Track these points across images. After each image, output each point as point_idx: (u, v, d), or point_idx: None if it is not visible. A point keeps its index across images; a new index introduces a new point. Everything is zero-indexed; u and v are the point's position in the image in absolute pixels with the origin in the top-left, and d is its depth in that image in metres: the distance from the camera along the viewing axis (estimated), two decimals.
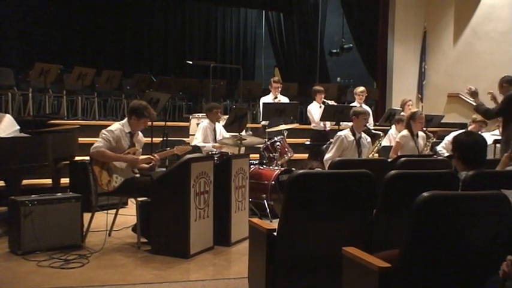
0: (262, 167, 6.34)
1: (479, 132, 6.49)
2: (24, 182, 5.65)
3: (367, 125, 6.47)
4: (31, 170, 5.40)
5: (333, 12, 14.85)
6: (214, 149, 6.16)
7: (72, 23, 12.65)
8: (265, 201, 5.98)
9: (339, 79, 15.36)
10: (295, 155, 7.16)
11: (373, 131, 6.28)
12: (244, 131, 6.51)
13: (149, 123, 5.15)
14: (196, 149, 6.08)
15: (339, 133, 5.94)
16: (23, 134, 5.44)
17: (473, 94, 6.25)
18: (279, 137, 6.67)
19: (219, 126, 6.61)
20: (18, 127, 5.41)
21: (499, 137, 6.81)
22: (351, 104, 8.19)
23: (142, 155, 5.04)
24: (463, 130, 5.67)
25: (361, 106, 7.46)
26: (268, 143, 6.60)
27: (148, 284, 3.84)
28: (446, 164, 4.48)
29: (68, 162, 6.12)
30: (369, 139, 6.07)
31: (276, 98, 8.05)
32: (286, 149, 6.77)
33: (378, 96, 12.02)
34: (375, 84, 12.68)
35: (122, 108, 10.25)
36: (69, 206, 4.65)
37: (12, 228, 4.50)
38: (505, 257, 2.20)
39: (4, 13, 11.33)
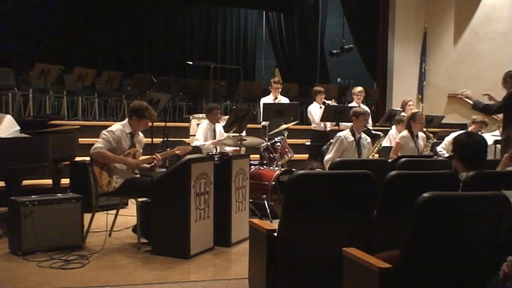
0: (262, 168, 6.34)
1: (480, 133, 6.49)
2: (25, 182, 5.64)
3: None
4: (31, 170, 5.40)
5: (333, 12, 14.87)
6: (212, 147, 6.16)
7: (73, 24, 12.66)
8: (265, 201, 5.98)
9: (339, 80, 15.38)
10: (296, 156, 7.15)
11: (373, 132, 6.27)
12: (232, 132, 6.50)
13: (150, 123, 5.14)
14: (197, 149, 6.08)
15: (339, 134, 5.94)
16: (23, 135, 5.44)
17: (468, 97, 6.30)
18: (279, 138, 6.67)
19: (219, 127, 6.61)
20: (19, 127, 5.42)
21: (499, 138, 6.82)
22: (349, 105, 8.19)
23: (142, 155, 5.04)
24: (464, 131, 5.67)
25: (359, 106, 7.46)
26: (269, 143, 6.60)
27: (148, 284, 3.84)
28: (446, 165, 4.48)
29: (68, 162, 6.13)
30: (368, 139, 6.07)
31: (276, 98, 8.05)
32: (286, 150, 6.77)
33: (378, 97, 12.02)
34: (375, 85, 12.68)
35: (122, 109, 10.25)
36: (69, 206, 4.65)
37: (13, 228, 4.50)
38: (505, 258, 2.20)
39: (4, 13, 11.34)
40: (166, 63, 14.23)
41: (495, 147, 7.20)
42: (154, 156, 4.96)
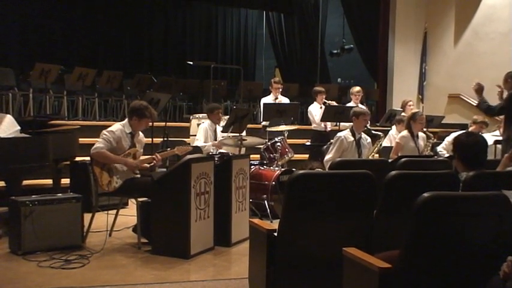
0: (262, 168, 6.34)
1: (480, 133, 6.49)
2: (25, 182, 5.64)
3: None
4: (31, 170, 5.40)
5: (334, 12, 14.86)
6: (213, 148, 6.15)
7: (73, 24, 12.67)
8: (265, 201, 5.98)
9: (339, 80, 15.37)
10: (296, 156, 7.15)
11: (373, 132, 6.27)
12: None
13: (150, 123, 5.15)
14: (197, 149, 6.08)
15: (339, 134, 5.94)
16: (23, 135, 5.44)
17: (478, 90, 6.24)
18: (279, 138, 6.66)
19: (220, 128, 6.59)
20: (19, 127, 5.41)
21: (500, 138, 6.81)
22: (347, 105, 8.20)
23: (142, 155, 5.04)
24: (464, 131, 5.67)
25: (357, 106, 7.46)
26: (269, 143, 6.60)
27: (148, 284, 3.84)
28: (446, 165, 4.48)
29: (68, 162, 6.13)
30: (369, 139, 6.06)
31: (276, 98, 8.05)
32: (286, 150, 6.77)
33: (378, 97, 12.03)
34: (376, 85, 12.68)
35: (122, 109, 10.26)
36: (69, 206, 4.65)
37: (13, 228, 4.50)
38: (505, 258, 2.20)
39: (5, 13, 11.34)
40: (167, 63, 14.23)
41: (495, 147, 7.19)
42: (154, 156, 4.97)
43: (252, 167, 6.07)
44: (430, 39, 11.85)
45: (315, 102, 8.23)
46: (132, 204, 5.67)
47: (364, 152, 5.91)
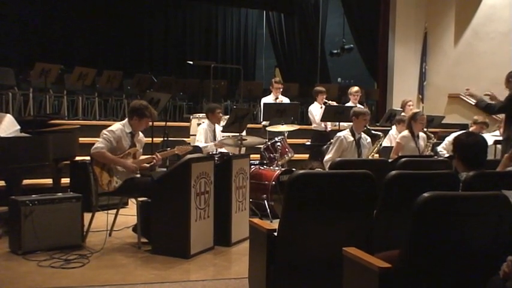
0: (262, 168, 6.34)
1: (480, 133, 6.49)
2: (25, 182, 5.65)
3: None
4: (31, 170, 5.40)
5: (334, 12, 14.87)
6: (214, 148, 6.15)
7: (73, 23, 12.67)
8: (265, 201, 5.98)
9: (339, 79, 15.37)
10: (296, 156, 7.15)
11: (373, 132, 6.27)
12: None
13: (150, 123, 5.15)
14: (197, 149, 6.08)
15: (339, 134, 5.94)
16: (23, 134, 5.44)
17: (472, 95, 6.30)
18: (279, 138, 6.66)
19: (219, 128, 6.59)
20: (19, 127, 5.41)
21: (500, 138, 6.82)
22: (346, 105, 8.20)
23: (142, 155, 5.04)
24: (464, 131, 5.67)
25: (356, 106, 7.47)
26: (269, 143, 6.60)
27: (148, 284, 3.84)
28: (446, 165, 4.48)
29: (68, 162, 6.13)
30: (368, 139, 6.06)
31: (277, 98, 8.04)
32: (286, 150, 6.76)
33: (378, 97, 12.03)
34: (376, 85, 12.68)
35: (122, 109, 10.26)
36: (69, 206, 4.65)
37: (13, 228, 4.50)
38: (505, 258, 2.20)
39: (5, 13, 11.34)
40: (167, 63, 14.25)
41: (495, 147, 7.20)
42: (154, 156, 4.97)
43: (252, 166, 6.07)
44: (430, 39, 11.85)
45: (315, 102, 8.23)
46: (132, 204, 5.68)
47: (364, 152, 5.91)
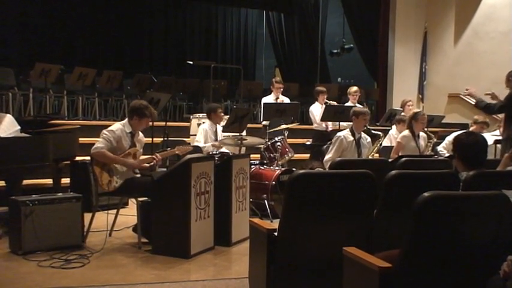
0: (262, 167, 6.34)
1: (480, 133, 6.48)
2: (25, 182, 5.65)
3: None
4: (32, 170, 5.40)
5: (334, 12, 14.87)
6: (214, 149, 6.14)
7: (73, 23, 12.67)
8: (265, 201, 5.97)
9: (339, 79, 15.38)
10: (296, 155, 7.15)
11: (373, 131, 6.27)
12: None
13: (150, 123, 5.15)
14: (197, 149, 6.08)
15: (338, 134, 5.94)
16: (23, 134, 5.43)
17: (471, 95, 6.30)
18: (279, 137, 6.66)
19: (220, 128, 6.59)
20: (19, 127, 5.41)
21: (500, 137, 6.81)
22: (345, 104, 8.20)
23: (142, 155, 5.04)
24: (464, 130, 5.67)
25: (355, 106, 7.47)
26: (269, 143, 6.59)
27: (148, 284, 3.84)
28: (447, 164, 4.48)
29: (68, 162, 6.12)
30: (368, 139, 6.06)
31: (277, 98, 8.04)
32: (286, 149, 6.76)
33: (378, 97, 12.02)
34: (376, 85, 12.68)
35: (122, 109, 10.26)
36: (69, 206, 4.65)
37: (13, 228, 4.50)
38: (505, 257, 2.20)
39: (5, 13, 11.34)
40: (167, 63, 14.24)
41: (495, 146, 7.19)
42: (154, 156, 4.97)
43: (252, 166, 6.07)
44: (430, 39, 11.85)
45: (316, 102, 8.23)
46: (132, 204, 5.67)
47: (364, 152, 5.91)
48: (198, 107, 11.01)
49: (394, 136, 7.11)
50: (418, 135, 6.42)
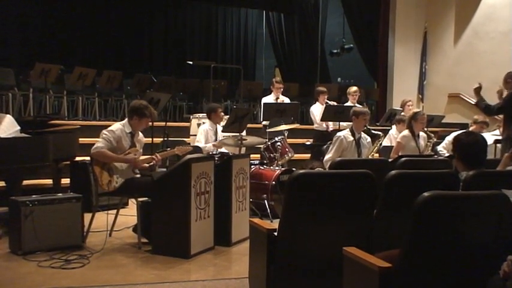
0: (262, 167, 6.34)
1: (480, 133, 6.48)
2: (25, 182, 5.65)
3: None
4: (32, 170, 5.40)
5: (334, 12, 14.87)
6: (215, 149, 6.14)
7: (73, 23, 12.66)
8: (265, 201, 5.97)
9: (339, 79, 15.37)
10: (296, 155, 7.15)
11: (373, 131, 6.27)
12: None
13: (150, 123, 5.15)
14: (197, 149, 6.08)
15: (338, 133, 5.94)
16: (23, 134, 5.44)
17: (477, 90, 6.28)
18: (279, 137, 6.66)
19: (220, 128, 6.59)
20: (19, 127, 5.41)
21: (500, 137, 6.81)
22: (345, 104, 8.20)
23: (142, 155, 5.04)
24: (464, 130, 5.67)
25: (355, 106, 7.47)
26: (269, 143, 6.59)
27: (149, 284, 3.84)
28: (446, 164, 4.48)
29: (68, 162, 6.12)
30: (368, 139, 6.06)
31: (278, 98, 8.04)
32: (286, 149, 6.76)
33: (378, 97, 12.02)
34: (376, 85, 12.68)
35: (122, 109, 10.26)
36: (69, 206, 4.65)
37: (13, 228, 4.50)
38: (505, 257, 2.20)
39: (5, 13, 11.34)
40: (167, 63, 14.24)
41: (495, 146, 7.19)
42: (154, 156, 4.97)
43: (252, 166, 6.07)
44: (430, 39, 11.84)
45: (317, 103, 8.23)
46: (132, 204, 5.67)
47: (363, 152, 5.91)
48: (198, 107, 11.00)
49: (394, 136, 7.11)
50: (418, 135, 6.42)
